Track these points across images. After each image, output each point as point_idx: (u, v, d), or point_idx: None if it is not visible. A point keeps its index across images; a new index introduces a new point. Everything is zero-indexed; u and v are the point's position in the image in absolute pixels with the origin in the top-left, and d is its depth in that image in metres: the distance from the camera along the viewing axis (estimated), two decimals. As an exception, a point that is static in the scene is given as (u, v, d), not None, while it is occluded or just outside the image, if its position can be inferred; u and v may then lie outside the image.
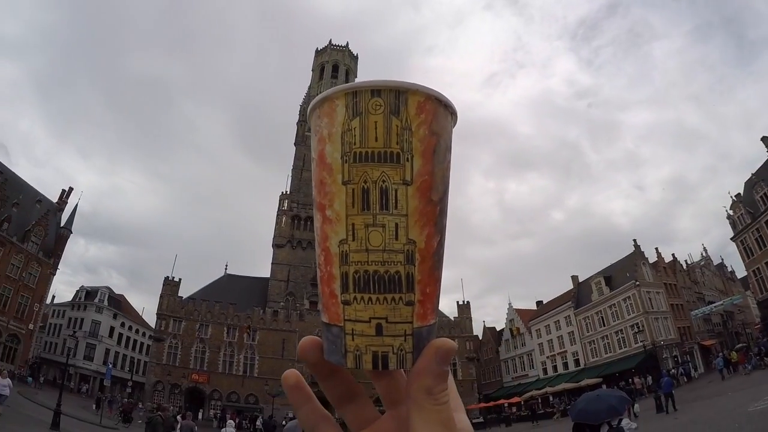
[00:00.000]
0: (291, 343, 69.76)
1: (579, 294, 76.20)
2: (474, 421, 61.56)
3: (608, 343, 67.04)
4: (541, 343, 79.58)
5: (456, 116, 0.65)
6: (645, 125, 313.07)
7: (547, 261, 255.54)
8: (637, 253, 68.71)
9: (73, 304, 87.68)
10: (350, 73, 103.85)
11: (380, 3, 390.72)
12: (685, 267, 75.24)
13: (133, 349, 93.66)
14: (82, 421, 36.20)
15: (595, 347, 69.39)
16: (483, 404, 70.99)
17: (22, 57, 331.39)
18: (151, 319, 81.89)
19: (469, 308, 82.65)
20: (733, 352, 46.52)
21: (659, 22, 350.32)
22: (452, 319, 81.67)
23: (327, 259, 0.62)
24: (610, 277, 70.65)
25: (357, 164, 0.59)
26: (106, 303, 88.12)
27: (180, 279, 75.09)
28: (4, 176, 64.33)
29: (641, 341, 55.13)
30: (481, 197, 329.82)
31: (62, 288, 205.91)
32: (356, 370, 0.63)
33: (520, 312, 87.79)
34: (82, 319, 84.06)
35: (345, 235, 0.60)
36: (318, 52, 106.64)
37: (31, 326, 65.55)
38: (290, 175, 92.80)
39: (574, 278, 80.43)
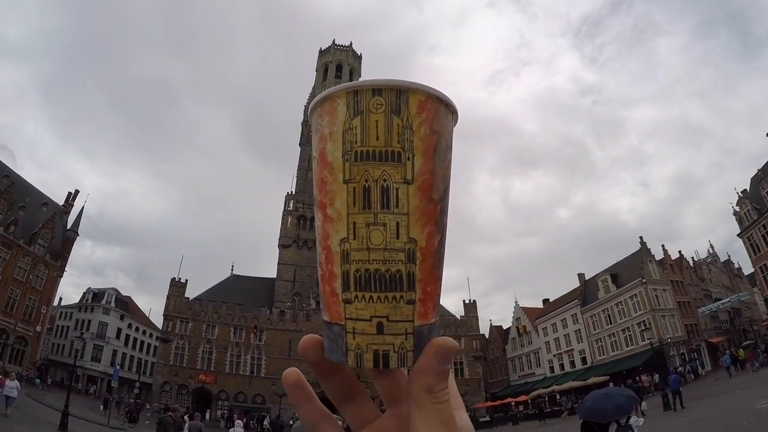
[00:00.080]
0: (297, 343, 67.60)
1: (585, 292, 76.05)
2: (481, 420, 61.58)
3: (615, 340, 66.88)
4: (548, 341, 79.49)
5: (457, 115, 0.65)
6: (650, 122, 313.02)
7: (553, 259, 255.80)
8: (644, 250, 68.51)
9: (80, 306, 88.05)
10: (354, 72, 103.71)
11: (383, 2, 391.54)
12: (691, 264, 74.91)
13: (141, 350, 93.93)
14: (89, 422, 36.33)
15: (602, 345, 69.24)
16: (490, 403, 70.82)
17: (27, 61, 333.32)
18: (158, 320, 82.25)
19: (476, 307, 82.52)
20: (741, 350, 46.32)
21: (663, 18, 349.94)
22: (458, 318, 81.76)
23: (328, 257, 0.62)
24: (617, 274, 70.47)
25: (358, 163, 0.59)
26: (113, 305, 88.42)
27: (186, 280, 75.33)
28: (11, 180, 64.60)
29: (648, 339, 54.97)
30: (487, 196, 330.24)
31: (69, 290, 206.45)
32: (357, 368, 0.63)
33: (527, 310, 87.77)
34: (90, 321, 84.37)
35: (346, 234, 0.60)
36: (321, 53, 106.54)
37: (38, 328, 65.79)
38: (295, 175, 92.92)
39: (581, 276, 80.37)
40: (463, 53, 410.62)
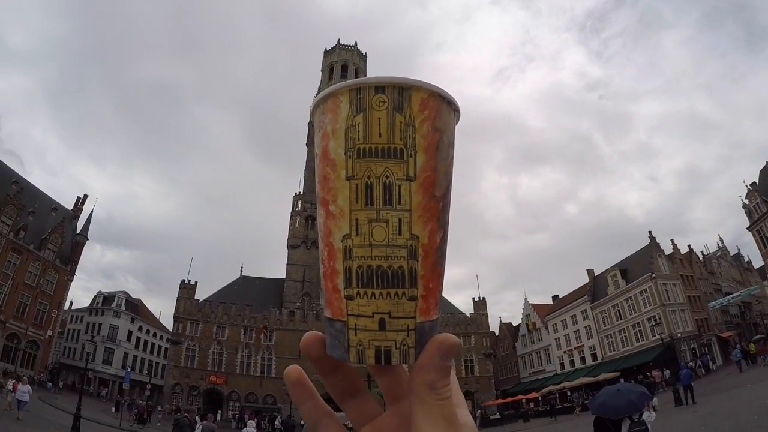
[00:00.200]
0: (307, 343, 69.71)
1: (595, 288, 75.84)
2: (491, 417, 61.51)
3: (625, 336, 66.65)
4: (558, 337, 79.28)
5: (459, 113, 0.65)
6: (657, 116, 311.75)
7: (562, 255, 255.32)
8: (653, 245, 68.21)
9: (90, 309, 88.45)
10: (359, 72, 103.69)
11: (388, 1, 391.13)
12: (701, 258, 74.43)
13: (151, 352, 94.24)
14: (101, 425, 36.55)
15: (612, 341, 69.02)
16: (501, 400, 70.65)
17: (34, 68, 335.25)
18: (168, 323, 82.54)
19: (485, 304, 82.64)
20: (752, 344, 46.12)
21: (668, 11, 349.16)
22: (468, 315, 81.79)
23: (330, 254, 0.62)
24: (626, 270, 70.22)
25: (361, 160, 0.59)
26: (123, 307, 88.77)
27: (196, 282, 75.78)
28: (20, 185, 65.03)
29: (659, 334, 54.80)
30: (495, 193, 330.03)
31: (80, 294, 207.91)
32: (359, 365, 0.62)
33: (536, 307, 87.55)
34: (100, 324, 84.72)
35: (348, 230, 0.60)
36: (327, 53, 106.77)
37: (49, 332, 66.19)
38: (303, 175, 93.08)
39: (590, 272, 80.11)
40: (468, 50, 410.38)
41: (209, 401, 66.38)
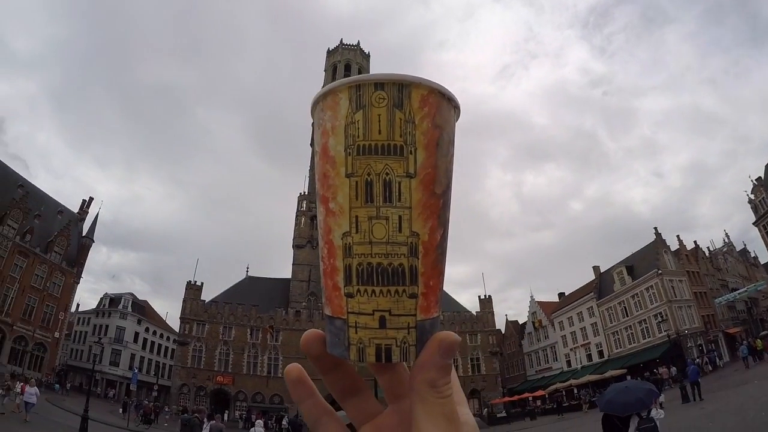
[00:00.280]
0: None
1: (601, 284, 75.65)
2: (498, 415, 61.49)
3: (632, 333, 66.51)
4: (564, 335, 79.10)
5: (459, 110, 0.65)
6: (661, 111, 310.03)
7: (567, 252, 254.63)
8: (659, 241, 68.01)
9: (97, 311, 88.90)
10: (363, 71, 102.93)
11: (390, 0, 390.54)
12: (707, 254, 74.16)
13: (158, 353, 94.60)
14: (109, 426, 36.75)
15: (618, 338, 68.86)
16: (507, 398, 70.62)
17: (38, 72, 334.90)
18: (174, 324, 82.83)
19: (491, 302, 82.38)
20: (758, 340, 45.94)
21: (671, 6, 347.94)
22: (474, 313, 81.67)
23: (330, 251, 0.62)
24: (632, 266, 70.02)
25: (360, 157, 0.59)
26: (130, 309, 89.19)
27: (202, 283, 75.81)
28: (25, 189, 65.43)
29: (665, 331, 54.51)
30: (499, 190, 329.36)
31: (86, 296, 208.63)
32: (359, 363, 0.62)
33: (543, 304, 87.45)
34: (107, 326, 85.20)
35: (348, 228, 0.60)
36: (330, 53, 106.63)
37: (56, 334, 66.56)
38: (307, 175, 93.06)
39: (596, 269, 79.87)
40: (471, 48, 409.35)
41: (216, 401, 66.51)
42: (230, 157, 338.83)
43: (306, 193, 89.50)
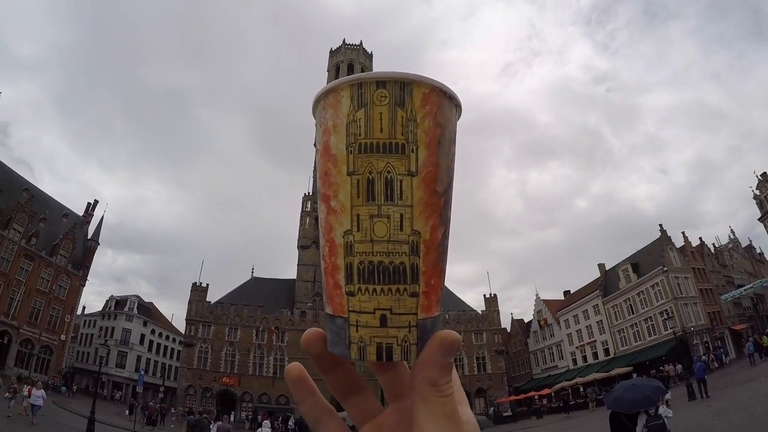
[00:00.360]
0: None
1: (606, 282, 75.49)
2: (504, 414, 61.41)
3: (638, 331, 66.34)
4: (570, 333, 79.02)
5: (460, 108, 0.65)
6: (665, 107, 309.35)
7: (572, 250, 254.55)
8: (664, 238, 67.81)
9: (103, 313, 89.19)
10: (366, 71, 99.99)
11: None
12: (712, 250, 74.04)
13: (164, 355, 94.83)
14: (115, 427, 36.88)
15: (624, 336, 68.71)
16: (513, 397, 70.62)
17: (42, 76, 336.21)
18: (180, 325, 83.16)
19: (497, 301, 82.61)
20: (765, 336, 45.75)
21: (673, 1, 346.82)
22: (479, 312, 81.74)
23: (331, 250, 0.62)
24: (638, 263, 69.83)
25: (362, 155, 0.59)
26: (135, 311, 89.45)
27: (207, 284, 76.08)
28: (30, 193, 65.66)
29: (671, 328, 54.31)
30: (504, 189, 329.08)
31: (92, 298, 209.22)
32: (360, 361, 0.62)
33: (548, 303, 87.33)
34: (113, 328, 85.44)
35: (350, 226, 0.60)
36: (332, 53, 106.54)
37: (63, 337, 66.75)
38: (312, 176, 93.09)
39: (601, 266, 79.76)
40: (474, 46, 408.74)
41: (222, 402, 66.63)
42: (235, 159, 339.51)
43: (310, 194, 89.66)
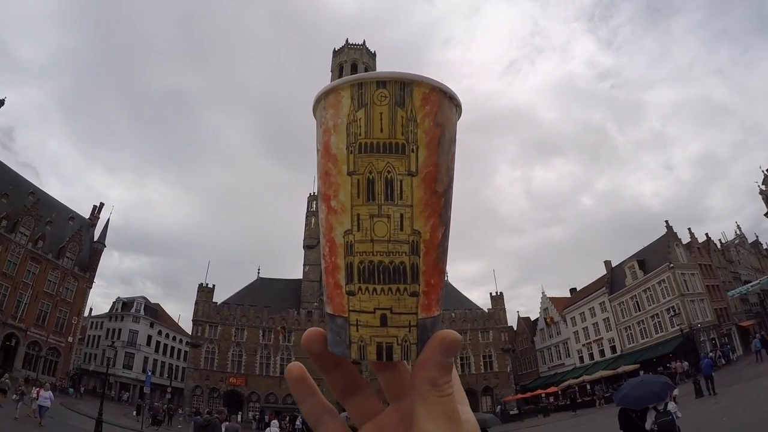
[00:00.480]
0: (325, 343, 70.06)
1: (613, 279, 75.40)
2: (511, 413, 61.35)
3: (644, 328, 66.22)
4: (577, 331, 78.95)
5: (461, 109, 0.65)
6: (670, 103, 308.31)
7: (578, 247, 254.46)
8: (670, 234, 67.69)
9: (110, 315, 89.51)
10: (369, 71, 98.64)
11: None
12: (719, 246, 73.81)
13: (171, 355, 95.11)
14: (123, 428, 37.01)
15: (631, 333, 68.59)
16: (520, 395, 70.55)
17: (47, 80, 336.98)
18: (187, 326, 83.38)
19: (503, 299, 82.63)
20: (772, 333, 45.67)
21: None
22: (486, 310, 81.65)
23: (332, 249, 0.62)
24: (644, 260, 69.72)
25: (362, 155, 0.59)
26: (142, 312, 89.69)
27: (214, 285, 76.47)
28: (36, 196, 65.90)
29: (678, 325, 54.29)
30: (509, 187, 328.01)
31: (99, 300, 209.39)
32: (360, 361, 0.63)
33: (554, 300, 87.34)
34: (120, 330, 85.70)
35: (350, 226, 0.60)
36: (336, 53, 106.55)
37: (70, 339, 66.99)
38: (316, 176, 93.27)
39: (607, 263, 79.73)
40: (478, 45, 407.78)
41: (229, 403, 66.67)
42: (239, 160, 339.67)
43: (315, 194, 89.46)
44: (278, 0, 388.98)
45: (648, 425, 9.93)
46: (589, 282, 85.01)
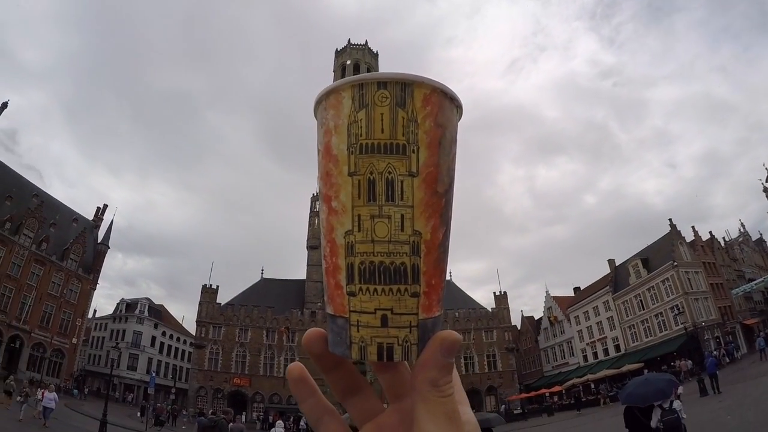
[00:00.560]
0: (329, 343, 70.11)
1: (616, 278, 75.28)
2: (515, 412, 61.29)
3: (648, 326, 66.09)
4: (580, 330, 78.82)
5: (461, 109, 0.65)
6: (672, 101, 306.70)
7: (582, 246, 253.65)
8: (674, 232, 67.51)
9: (114, 316, 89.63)
10: (372, 71, 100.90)
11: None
12: (723, 244, 73.70)
13: (175, 356, 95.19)
14: (127, 429, 37.14)
15: (635, 331, 68.46)
16: (524, 395, 70.55)
17: (49, 82, 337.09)
18: (191, 327, 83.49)
19: (507, 298, 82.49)
20: (776, 331, 45.56)
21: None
22: (490, 310, 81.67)
23: (332, 250, 0.62)
24: (647, 259, 69.57)
25: (363, 156, 0.59)
26: (146, 314, 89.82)
27: (217, 286, 76.46)
28: (40, 198, 66.11)
29: (682, 323, 54.15)
30: (512, 185, 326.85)
31: (103, 302, 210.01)
32: (361, 361, 0.62)
33: (558, 299, 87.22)
34: (124, 331, 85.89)
35: (351, 226, 0.60)
36: (338, 53, 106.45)
37: (74, 340, 67.18)
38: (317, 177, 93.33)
39: (611, 262, 79.52)
40: (480, 44, 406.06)
41: (233, 403, 66.68)
42: (242, 161, 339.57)
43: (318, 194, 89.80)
44: (280, 0, 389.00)
45: (653, 423, 9.94)
46: (593, 281, 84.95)
